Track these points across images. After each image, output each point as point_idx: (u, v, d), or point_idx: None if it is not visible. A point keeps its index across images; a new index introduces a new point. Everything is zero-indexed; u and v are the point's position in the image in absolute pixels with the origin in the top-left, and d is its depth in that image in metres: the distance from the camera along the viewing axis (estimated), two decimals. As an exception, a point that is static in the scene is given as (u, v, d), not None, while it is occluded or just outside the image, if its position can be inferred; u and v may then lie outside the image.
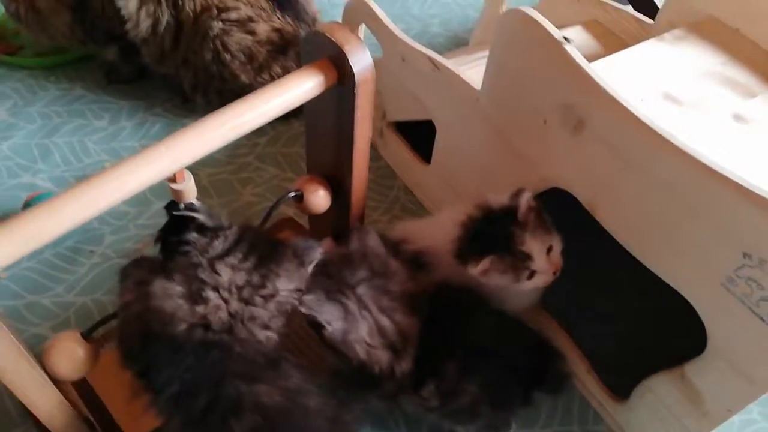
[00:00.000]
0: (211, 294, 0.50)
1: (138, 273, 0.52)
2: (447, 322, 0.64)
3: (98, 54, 1.10)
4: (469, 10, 1.39)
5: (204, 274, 0.50)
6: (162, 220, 0.84)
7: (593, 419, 0.78)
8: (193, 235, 0.51)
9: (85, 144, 1.02)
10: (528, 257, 0.64)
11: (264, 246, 0.53)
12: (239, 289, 0.51)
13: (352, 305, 0.60)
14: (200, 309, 0.49)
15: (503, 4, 1.10)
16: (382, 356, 0.61)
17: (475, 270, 0.64)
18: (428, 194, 0.98)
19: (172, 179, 0.52)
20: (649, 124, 0.57)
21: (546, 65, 0.65)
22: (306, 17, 1.06)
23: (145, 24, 0.97)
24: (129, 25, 0.97)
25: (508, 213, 0.65)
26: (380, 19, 0.89)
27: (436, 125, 0.88)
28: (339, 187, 0.69)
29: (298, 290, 0.54)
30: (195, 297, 0.49)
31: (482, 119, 0.78)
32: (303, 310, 0.56)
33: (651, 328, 0.82)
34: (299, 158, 1.04)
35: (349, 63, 0.55)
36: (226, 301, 0.50)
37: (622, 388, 0.75)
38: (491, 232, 0.66)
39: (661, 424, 0.69)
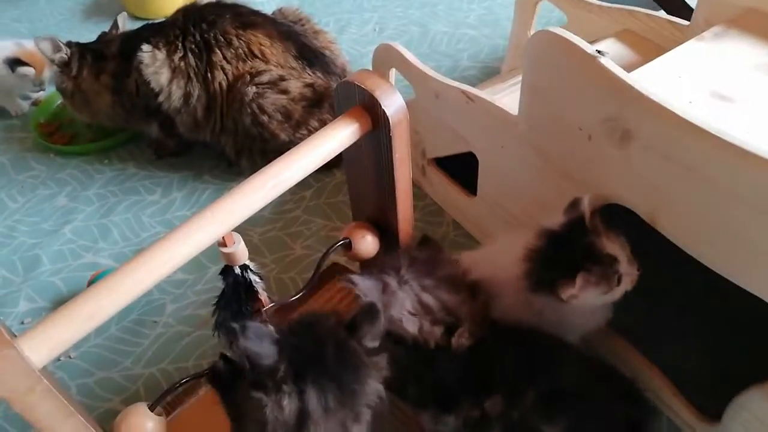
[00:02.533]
0: None
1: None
2: (534, 358, 0.61)
3: (143, 132, 1.15)
4: (497, 39, 1.39)
5: None
6: (217, 283, 0.86)
7: (687, 445, 0.73)
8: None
9: (140, 218, 1.06)
10: (615, 260, 0.61)
11: (332, 369, 0.50)
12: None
13: (393, 282, 0.61)
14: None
15: (531, 29, 1.09)
16: (434, 330, 0.59)
17: (573, 291, 0.60)
18: (478, 226, 0.96)
19: (223, 243, 0.53)
20: (700, 124, 0.54)
21: (582, 81, 0.64)
22: (335, 69, 1.08)
23: (176, 95, 1.02)
24: (162, 98, 1.02)
25: (573, 227, 0.63)
26: (409, 61, 0.90)
27: (477, 156, 0.87)
28: (386, 231, 0.69)
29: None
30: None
31: (523, 144, 0.76)
32: (344, 283, 0.57)
33: (735, 341, 0.76)
34: (345, 206, 1.05)
35: (381, 107, 0.55)
36: None
37: (712, 408, 0.69)
38: (566, 251, 0.63)
39: (764, 446, 0.63)
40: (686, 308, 0.81)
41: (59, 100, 1.29)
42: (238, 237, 0.54)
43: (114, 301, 0.43)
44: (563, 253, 0.63)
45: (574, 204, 0.63)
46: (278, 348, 0.47)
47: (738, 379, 0.64)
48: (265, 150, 1.06)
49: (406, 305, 0.60)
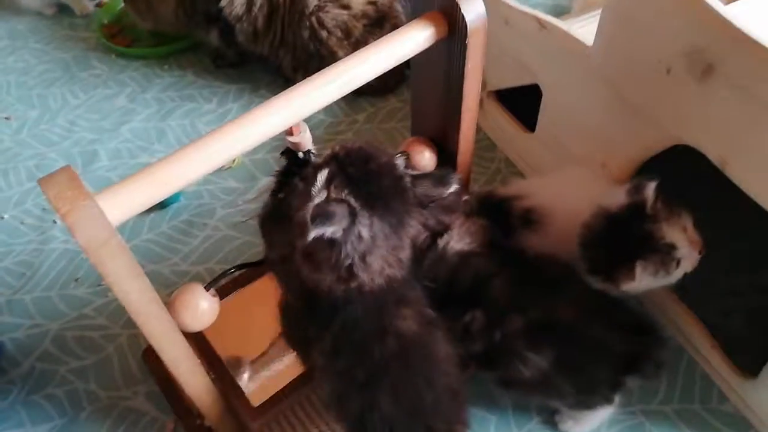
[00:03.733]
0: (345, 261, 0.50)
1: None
2: (530, 285, 0.61)
3: (204, 40, 1.15)
4: (570, -22, 1.33)
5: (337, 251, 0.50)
6: (266, 194, 0.86)
7: (717, 397, 0.72)
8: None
9: (195, 125, 1.07)
10: (672, 247, 0.59)
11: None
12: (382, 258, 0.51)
13: None
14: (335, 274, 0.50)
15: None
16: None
17: (632, 283, 0.58)
18: (532, 164, 0.94)
19: (290, 132, 0.53)
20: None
21: (670, 9, 0.60)
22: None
23: (239, 2, 1.01)
24: (223, 3, 1.01)
25: (633, 210, 0.60)
26: (481, -17, 0.87)
27: (542, 89, 0.84)
28: (445, 149, 0.68)
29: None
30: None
31: (595, 76, 0.74)
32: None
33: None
34: (398, 133, 1.04)
35: (461, 12, 0.53)
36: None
37: (751, 364, 0.68)
38: (624, 236, 0.60)
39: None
40: (735, 266, 0.79)
41: (123, 3, 1.30)
42: (304, 126, 0.54)
43: (189, 170, 0.44)
44: (620, 238, 0.60)
45: (638, 187, 0.60)
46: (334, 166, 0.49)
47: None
48: (322, 68, 1.04)
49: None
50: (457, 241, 0.62)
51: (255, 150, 1.02)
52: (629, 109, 0.70)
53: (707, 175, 0.62)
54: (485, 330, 0.60)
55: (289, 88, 0.50)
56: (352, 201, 0.47)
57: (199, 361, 0.55)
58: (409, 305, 0.53)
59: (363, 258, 0.48)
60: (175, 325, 0.50)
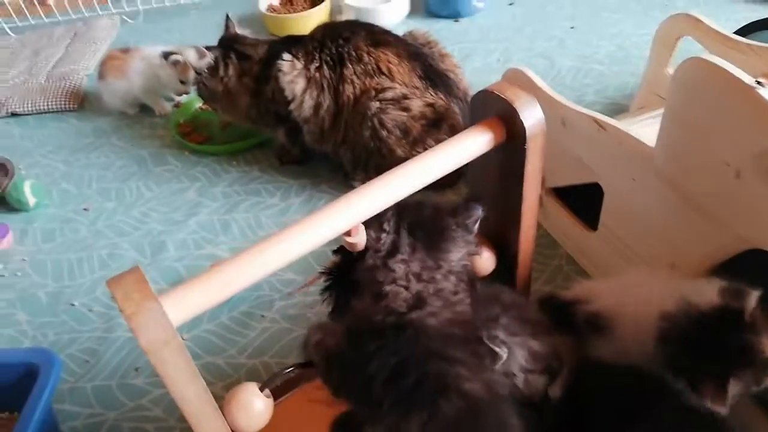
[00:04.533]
0: (388, 288, 0.54)
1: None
2: (625, 399, 0.56)
3: (271, 136, 1.21)
4: (625, 76, 1.34)
5: (380, 274, 0.54)
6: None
7: None
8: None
9: (259, 218, 1.11)
10: None
11: (426, 227, 0.57)
12: (417, 275, 0.55)
13: (501, 334, 0.56)
14: (383, 302, 0.53)
15: (668, 66, 1.05)
16: (539, 381, 0.58)
17: (722, 402, 0.53)
18: (595, 262, 0.92)
19: (348, 233, 0.54)
20: None
21: (737, 113, 0.60)
22: (457, 92, 1.09)
23: (308, 105, 1.07)
24: (293, 106, 1.07)
25: (727, 314, 0.55)
26: (537, 85, 0.89)
27: (603, 188, 0.83)
28: (504, 250, 0.67)
29: (470, 254, 0.59)
30: (377, 297, 0.54)
31: (659, 178, 0.72)
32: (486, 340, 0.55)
33: None
34: (456, 228, 1.04)
35: (520, 118, 0.54)
36: (406, 288, 0.54)
37: None
38: (715, 344, 0.55)
39: None
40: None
41: (198, 105, 1.40)
42: (362, 228, 0.55)
43: (250, 274, 0.45)
44: (711, 342, 0.55)
45: (738, 293, 0.55)
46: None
47: None
48: (380, 165, 1.08)
49: (519, 359, 0.56)
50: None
51: (314, 243, 1.04)
52: (695, 210, 0.68)
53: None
54: None
55: (352, 191, 0.51)
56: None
57: (249, 465, 0.54)
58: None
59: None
60: (227, 427, 0.49)
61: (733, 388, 0.53)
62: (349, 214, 0.50)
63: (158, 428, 0.80)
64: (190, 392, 0.44)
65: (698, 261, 0.70)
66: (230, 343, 0.90)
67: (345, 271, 0.63)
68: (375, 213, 0.52)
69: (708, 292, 0.57)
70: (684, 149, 0.68)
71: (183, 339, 0.91)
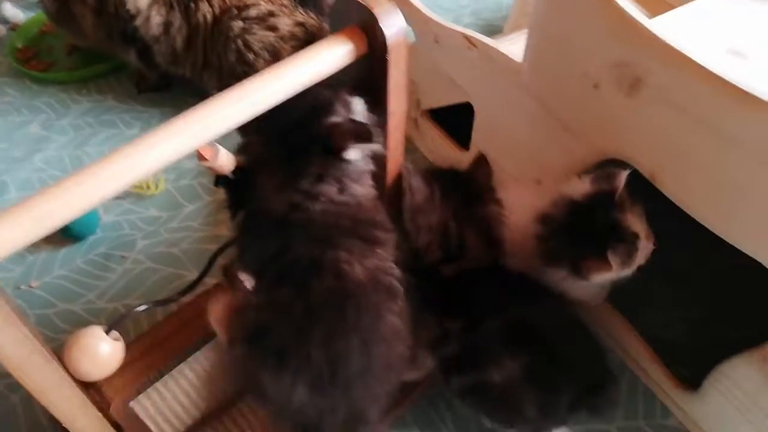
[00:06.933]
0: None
1: None
2: (512, 291, 0.62)
3: (124, 60, 1.09)
4: (502, -2, 1.34)
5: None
6: (192, 223, 0.82)
7: (661, 413, 0.71)
8: None
9: (116, 152, 1.01)
10: (636, 237, 0.59)
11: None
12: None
13: (438, 193, 0.63)
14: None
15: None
16: (436, 254, 0.62)
17: (609, 273, 0.58)
18: (469, 184, 0.92)
19: (201, 158, 0.48)
20: (717, 73, 0.51)
21: (597, 23, 0.60)
22: (329, 11, 1.03)
23: (155, 22, 0.96)
24: (138, 22, 0.96)
25: (599, 199, 0.60)
26: (410, 2, 0.85)
27: (474, 107, 0.83)
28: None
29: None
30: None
31: (525, 93, 0.72)
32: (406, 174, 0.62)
33: (729, 312, 0.74)
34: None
35: (380, 26, 0.50)
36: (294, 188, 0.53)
37: (692, 377, 0.67)
38: (589, 226, 0.60)
39: (741, 413, 0.62)
40: (675, 277, 0.79)
41: (38, 27, 1.23)
42: (217, 147, 0.50)
43: (68, 206, 0.39)
44: (587, 227, 0.60)
45: (609, 176, 0.60)
46: None
47: (720, 349, 0.62)
48: (252, 91, 1.00)
49: (432, 218, 0.62)
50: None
51: (180, 176, 0.97)
52: (560, 125, 0.69)
53: (645, 187, 0.61)
54: (463, 331, 0.60)
55: (194, 107, 0.46)
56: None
57: (101, 414, 0.49)
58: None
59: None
60: (65, 375, 0.44)
61: (613, 260, 0.57)
62: (189, 133, 0.45)
63: (8, 385, 0.72)
64: (6, 339, 0.38)
65: (561, 175, 0.72)
66: (88, 288, 0.82)
67: (240, 192, 0.60)
68: (225, 131, 0.47)
69: (582, 185, 0.61)
70: (547, 62, 0.68)
71: (32, 287, 0.82)
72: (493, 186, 0.67)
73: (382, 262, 0.53)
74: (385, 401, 0.54)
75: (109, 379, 0.54)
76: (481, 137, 0.85)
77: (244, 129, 0.48)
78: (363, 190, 0.55)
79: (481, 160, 0.70)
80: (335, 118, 0.53)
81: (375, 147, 0.54)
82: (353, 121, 0.54)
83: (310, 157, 0.52)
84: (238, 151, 0.56)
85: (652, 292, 0.78)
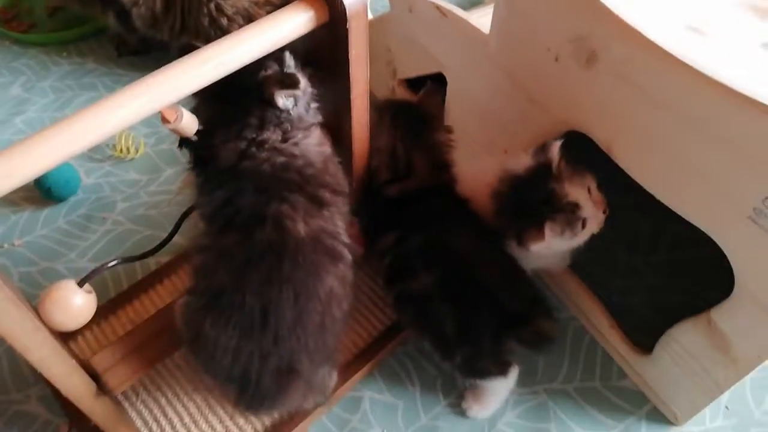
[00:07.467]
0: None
1: None
2: (441, 217, 0.65)
3: (104, 22, 1.09)
4: (486, -33, 1.33)
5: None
6: (171, 186, 0.84)
7: (617, 375, 0.75)
8: None
9: (96, 115, 1.02)
10: (576, 206, 0.61)
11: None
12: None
13: (388, 118, 0.68)
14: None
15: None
16: (384, 173, 0.67)
17: (542, 243, 0.60)
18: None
19: (165, 120, 0.50)
20: (669, 50, 0.53)
21: (555, -3, 0.61)
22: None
23: None
24: None
25: (538, 172, 0.62)
26: (386, -31, 0.86)
27: (446, 77, 0.84)
28: (340, 138, 0.66)
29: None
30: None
31: (492, 64, 0.74)
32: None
33: (682, 279, 0.78)
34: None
35: (338, -6, 0.52)
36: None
37: (647, 341, 0.71)
38: (528, 198, 0.62)
39: (688, 375, 0.65)
40: (639, 245, 0.82)
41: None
42: (181, 110, 0.52)
43: (33, 163, 0.41)
44: (526, 200, 0.62)
45: (543, 148, 0.62)
46: None
47: (672, 314, 0.66)
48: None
49: (381, 141, 0.67)
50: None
51: (159, 140, 0.98)
52: (524, 95, 0.71)
53: (604, 158, 0.63)
54: (395, 244, 0.65)
55: (152, 73, 0.47)
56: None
57: (74, 361, 0.52)
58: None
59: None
60: (39, 325, 0.47)
61: (551, 231, 0.60)
62: (147, 97, 0.46)
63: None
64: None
65: (526, 145, 0.74)
66: (69, 247, 0.85)
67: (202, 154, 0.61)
68: (184, 95, 0.48)
69: (524, 159, 0.64)
70: (513, 34, 0.70)
71: (15, 245, 0.85)
72: (441, 114, 0.71)
73: (326, 224, 0.56)
74: (322, 359, 0.57)
75: (113, 369, 0.60)
76: (453, 106, 0.86)
77: (197, 93, 0.50)
78: (312, 142, 0.58)
79: (432, 91, 0.74)
80: (268, 72, 0.56)
81: (298, 93, 0.56)
82: (281, 72, 0.56)
83: (248, 108, 0.55)
84: (195, 114, 0.58)
85: (612, 260, 0.81)
